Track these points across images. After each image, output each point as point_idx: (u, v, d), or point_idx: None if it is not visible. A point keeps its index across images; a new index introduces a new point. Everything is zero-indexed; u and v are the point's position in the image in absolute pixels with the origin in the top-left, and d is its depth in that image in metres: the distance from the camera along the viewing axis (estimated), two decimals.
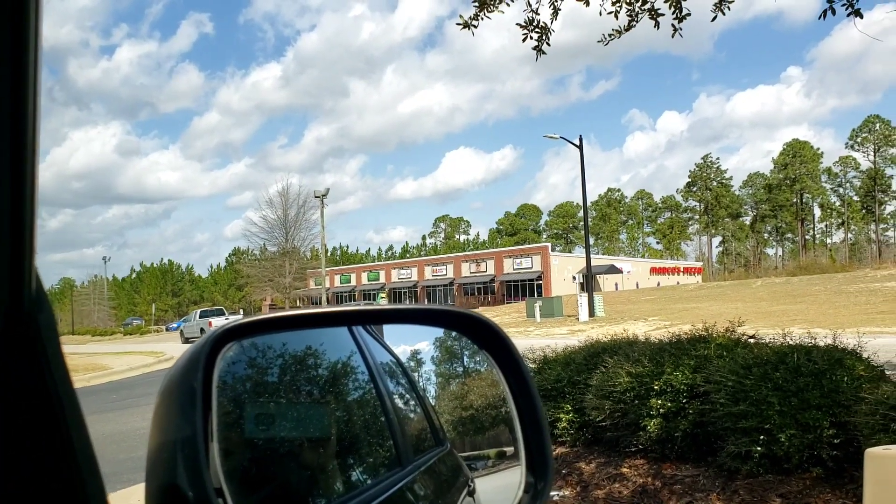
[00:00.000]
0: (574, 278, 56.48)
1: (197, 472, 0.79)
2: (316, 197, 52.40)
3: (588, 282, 37.35)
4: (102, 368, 23.86)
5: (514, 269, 72.20)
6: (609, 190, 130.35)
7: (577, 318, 34.81)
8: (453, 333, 1.47)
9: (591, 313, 35.02)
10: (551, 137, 38.75)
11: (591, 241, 67.91)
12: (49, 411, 0.65)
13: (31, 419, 0.64)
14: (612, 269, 73.53)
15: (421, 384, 1.51)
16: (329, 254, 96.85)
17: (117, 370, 23.46)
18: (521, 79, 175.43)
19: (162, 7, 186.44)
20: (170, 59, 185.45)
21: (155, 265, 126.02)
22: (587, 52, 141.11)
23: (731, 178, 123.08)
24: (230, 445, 0.92)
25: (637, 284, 75.32)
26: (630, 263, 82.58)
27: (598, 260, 74.72)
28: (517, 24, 7.33)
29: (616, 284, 74.83)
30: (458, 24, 7.30)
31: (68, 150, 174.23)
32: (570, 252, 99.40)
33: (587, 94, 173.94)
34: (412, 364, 1.50)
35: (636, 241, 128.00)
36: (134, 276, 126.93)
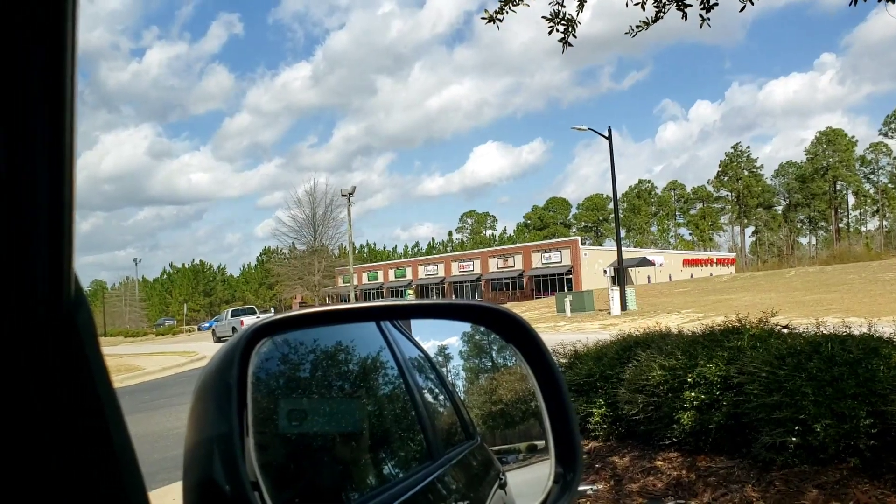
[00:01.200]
0: (605, 272, 56.00)
1: (233, 467, 0.81)
2: (343, 195, 52.64)
3: (619, 275, 37.06)
4: (136, 369, 24.17)
5: (543, 264, 71.86)
6: (640, 181, 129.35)
7: (609, 312, 34.56)
8: (481, 328, 1.47)
9: (623, 307, 34.74)
10: (580, 129, 38.46)
11: (622, 233, 67.53)
12: (90, 410, 0.67)
13: (72, 418, 0.66)
14: (644, 262, 72.86)
15: (450, 379, 1.52)
16: (357, 251, 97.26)
17: (150, 370, 23.75)
18: (551, 71, 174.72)
19: (192, 8, 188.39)
20: (199, 60, 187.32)
21: (186, 266, 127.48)
22: (617, 42, 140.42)
23: (761, 166, 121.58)
24: (265, 440, 0.94)
25: (670, 277, 74.61)
26: (662, 255, 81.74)
27: (630, 252, 74.00)
28: (543, 16, 7.30)
29: (648, 277, 74.20)
30: (483, 17, 7.28)
31: (99, 153, 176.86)
32: (600, 245, 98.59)
33: (618, 85, 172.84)
34: (440, 359, 1.51)
35: (668, 233, 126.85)
36: (165, 276, 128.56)
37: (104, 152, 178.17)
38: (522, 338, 1.38)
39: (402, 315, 1.47)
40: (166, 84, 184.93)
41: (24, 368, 0.63)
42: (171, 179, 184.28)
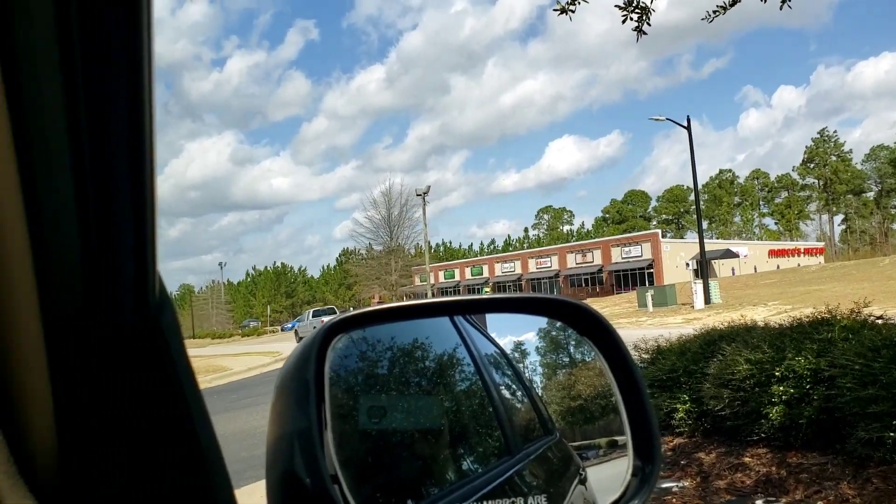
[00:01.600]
0: (687, 265, 54.77)
1: (313, 461, 0.83)
2: (417, 195, 53.10)
3: (702, 268, 36.14)
4: (223, 370, 24.99)
5: (623, 258, 70.76)
6: (720, 171, 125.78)
7: (692, 306, 33.74)
8: (557, 323, 1.46)
9: (707, 300, 33.87)
10: (657, 120, 37.75)
11: (704, 225, 65.95)
12: (177, 409, 0.69)
13: (160, 417, 0.69)
14: (728, 254, 70.84)
15: (527, 374, 1.52)
16: (433, 250, 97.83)
17: (236, 371, 24.51)
18: (627, 61, 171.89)
19: (270, 17, 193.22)
20: (278, 67, 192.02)
21: (268, 268, 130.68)
22: (696, 30, 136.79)
23: (850, 151, 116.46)
24: (344, 435, 0.96)
25: (755, 268, 72.39)
26: (746, 247, 79.41)
27: (713, 244, 72.06)
28: (616, 6, 7.19)
29: (732, 269, 72.16)
30: (555, 9, 7.24)
31: (185, 161, 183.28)
32: (681, 238, 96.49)
33: (697, 74, 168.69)
34: (517, 355, 1.50)
35: (752, 223, 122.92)
36: (249, 279, 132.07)
37: (189, 160, 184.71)
38: (598, 331, 1.37)
39: (476, 309, 1.47)
40: (247, 92, 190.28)
41: (113, 369, 0.66)
42: (253, 185, 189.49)
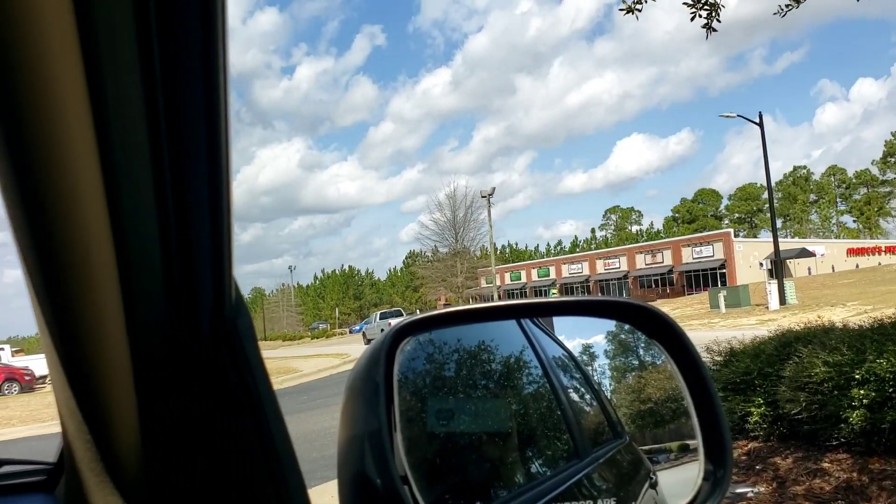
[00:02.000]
0: (761, 265, 53.04)
1: (383, 462, 0.84)
2: (483, 197, 53.00)
3: (777, 267, 35.06)
4: (294, 371, 25.49)
5: (694, 258, 69.18)
6: (795, 168, 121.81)
7: (766, 307, 32.80)
8: (626, 326, 1.45)
9: (782, 301, 32.87)
10: (728, 116, 36.78)
11: (779, 223, 63.66)
12: (252, 409, 0.71)
13: (236, 417, 0.71)
14: (804, 253, 68.51)
15: (595, 378, 1.51)
16: (498, 252, 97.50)
17: (307, 372, 24.97)
18: (697, 58, 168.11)
19: (337, 23, 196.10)
20: (345, 73, 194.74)
21: (336, 272, 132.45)
22: (769, 24, 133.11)
23: None
24: (413, 437, 0.97)
25: (832, 267, 69.85)
26: (823, 245, 76.59)
27: (788, 243, 69.86)
28: (684, 2, 7.07)
29: (809, 269, 69.80)
30: (621, 9, 7.16)
31: (257, 167, 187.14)
32: (754, 237, 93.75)
33: (771, 69, 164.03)
34: (585, 358, 1.49)
35: (829, 221, 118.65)
36: (317, 282, 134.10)
37: (261, 167, 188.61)
38: (666, 334, 1.35)
39: (542, 312, 1.47)
40: (315, 98, 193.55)
41: (192, 372, 0.68)
42: (321, 189, 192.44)
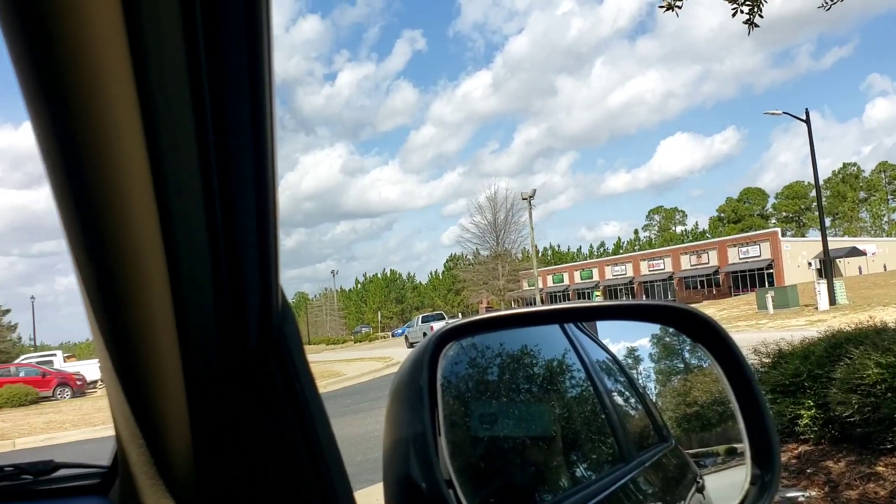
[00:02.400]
0: (810, 264, 51.84)
1: (428, 465, 0.85)
2: (523, 199, 52.81)
3: (826, 267, 34.28)
4: (337, 375, 25.70)
5: (741, 259, 67.92)
6: (844, 165, 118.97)
7: (816, 308, 32.05)
8: (670, 329, 1.43)
9: (832, 301, 32.09)
10: (773, 114, 36.10)
11: (828, 221, 62.19)
12: (299, 415, 0.72)
13: (284, 422, 0.72)
14: (854, 252, 66.82)
15: (640, 381, 1.50)
16: (540, 254, 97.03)
17: (350, 376, 25.15)
18: (742, 55, 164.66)
19: (378, 29, 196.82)
20: (386, 78, 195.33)
21: (378, 275, 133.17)
22: (816, 18, 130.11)
23: None
24: (457, 441, 0.97)
25: (884, 266, 68.05)
26: (874, 244, 74.68)
27: (837, 242, 68.18)
28: None
29: (859, 268, 68.09)
30: (661, 6, 7.09)
31: (300, 173, 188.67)
32: (803, 236, 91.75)
33: (818, 64, 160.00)
34: (630, 361, 1.48)
35: (880, 219, 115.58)
36: (359, 286, 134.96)
37: (304, 172, 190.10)
38: (711, 337, 1.33)
39: (585, 317, 1.46)
40: (357, 104, 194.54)
41: (241, 378, 0.69)
42: (363, 194, 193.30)
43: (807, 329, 16.86)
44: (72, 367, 38.80)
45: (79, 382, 33.72)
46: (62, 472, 1.34)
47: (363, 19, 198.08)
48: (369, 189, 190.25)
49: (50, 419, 21.26)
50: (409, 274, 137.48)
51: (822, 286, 32.60)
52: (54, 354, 42.15)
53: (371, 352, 45.73)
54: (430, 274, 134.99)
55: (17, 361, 40.41)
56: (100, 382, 35.80)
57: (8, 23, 0.45)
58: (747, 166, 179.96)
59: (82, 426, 18.41)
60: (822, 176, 67.73)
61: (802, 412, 6.48)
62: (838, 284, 34.15)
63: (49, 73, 0.46)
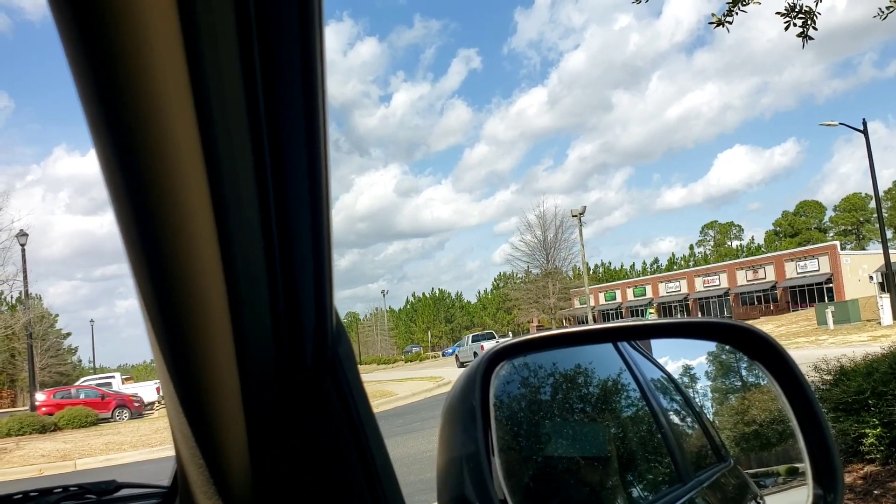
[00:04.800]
0: (871, 278, 50.30)
1: (482, 485, 0.84)
2: (573, 216, 52.43)
3: (888, 280, 33.22)
4: (389, 395, 25.73)
5: (799, 273, 66.24)
6: None
7: (879, 322, 31.12)
8: (727, 347, 1.41)
9: None
10: (830, 125, 35.32)
11: (889, 234, 60.25)
12: (355, 435, 0.73)
13: (340, 443, 0.73)
14: None
15: (697, 400, 1.47)
16: (591, 271, 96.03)
17: (402, 396, 25.15)
18: (802, 66, 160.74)
19: (434, 49, 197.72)
20: (440, 98, 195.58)
21: (426, 295, 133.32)
22: (879, 27, 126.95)
23: None
24: (510, 461, 0.97)
25: None
26: None
27: None
28: (777, 12, 6.87)
29: None
30: (711, 22, 7.03)
31: (354, 194, 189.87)
32: (863, 249, 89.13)
33: (882, 73, 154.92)
34: (685, 380, 1.46)
35: None
36: (409, 306, 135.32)
37: (358, 193, 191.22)
38: (769, 354, 1.30)
39: (639, 335, 1.44)
40: (411, 124, 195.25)
41: (298, 398, 0.70)
42: (416, 214, 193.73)
43: (870, 345, 16.33)
44: (129, 388, 39.66)
45: (136, 404, 34.44)
46: (124, 491, 1.38)
47: (420, 40, 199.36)
48: (422, 209, 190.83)
49: (109, 440, 21.76)
50: (457, 293, 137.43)
51: (885, 300, 31.60)
52: (113, 376, 43.16)
53: (421, 371, 45.69)
54: (479, 293, 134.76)
55: (77, 384, 41.51)
56: (157, 404, 36.60)
57: (75, 59, 0.47)
58: (808, 178, 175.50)
59: (140, 447, 18.79)
60: (884, 186, 65.82)
61: (867, 431, 6.27)
62: None
63: (113, 106, 0.48)
